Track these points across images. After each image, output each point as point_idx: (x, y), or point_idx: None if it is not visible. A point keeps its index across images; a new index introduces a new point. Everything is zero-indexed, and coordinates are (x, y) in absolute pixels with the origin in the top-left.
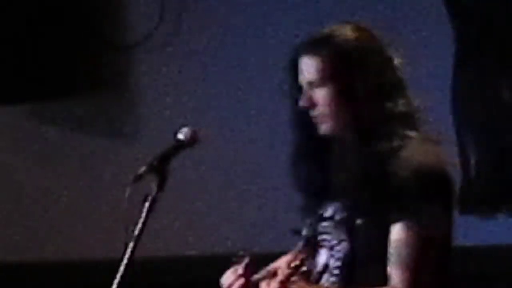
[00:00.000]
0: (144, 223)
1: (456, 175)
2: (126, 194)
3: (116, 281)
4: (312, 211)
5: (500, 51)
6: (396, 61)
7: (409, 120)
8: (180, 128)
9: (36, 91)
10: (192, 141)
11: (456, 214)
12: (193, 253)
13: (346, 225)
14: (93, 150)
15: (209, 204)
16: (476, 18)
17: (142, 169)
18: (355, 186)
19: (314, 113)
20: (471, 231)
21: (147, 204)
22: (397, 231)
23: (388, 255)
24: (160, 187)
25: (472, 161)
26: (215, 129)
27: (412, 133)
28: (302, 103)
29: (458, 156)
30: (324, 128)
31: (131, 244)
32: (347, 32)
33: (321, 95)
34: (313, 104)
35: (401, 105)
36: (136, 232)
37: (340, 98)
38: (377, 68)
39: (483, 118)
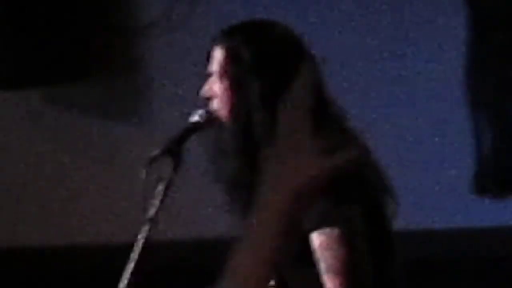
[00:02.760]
0: (159, 206)
1: (470, 157)
2: (142, 177)
3: (132, 264)
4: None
5: None
6: (312, 74)
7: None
8: (195, 110)
9: (50, 75)
10: (208, 123)
11: (471, 196)
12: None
13: None
14: (107, 133)
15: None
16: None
17: (157, 151)
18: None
19: (212, 105)
20: (485, 213)
21: (162, 187)
22: (315, 239)
23: (317, 265)
24: (176, 169)
25: (487, 143)
26: None
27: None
28: (201, 92)
29: (472, 138)
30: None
31: (146, 227)
32: (261, 28)
33: (217, 87)
34: (211, 96)
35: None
36: (151, 215)
37: (231, 96)
38: (278, 75)
39: (498, 99)
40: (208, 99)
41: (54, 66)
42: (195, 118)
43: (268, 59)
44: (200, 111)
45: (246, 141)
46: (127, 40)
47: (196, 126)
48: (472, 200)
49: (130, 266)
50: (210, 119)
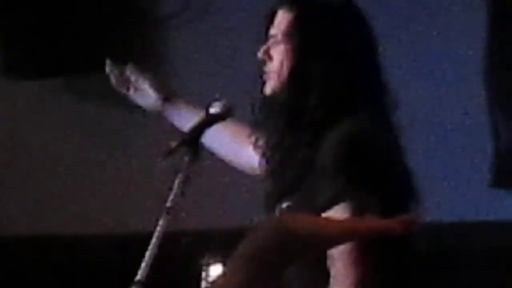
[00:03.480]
0: (177, 197)
1: (488, 149)
2: (160, 168)
3: (151, 254)
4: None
5: None
6: (374, 43)
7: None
8: (213, 101)
9: (70, 65)
10: (225, 115)
11: (487, 188)
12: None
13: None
14: (125, 123)
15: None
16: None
17: (175, 143)
18: (281, 161)
19: (266, 67)
20: (503, 205)
21: (180, 179)
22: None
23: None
24: (193, 161)
25: (504, 135)
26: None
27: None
28: (259, 54)
29: (490, 130)
30: (268, 86)
31: (165, 218)
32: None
33: (277, 50)
34: (268, 57)
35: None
36: (169, 205)
37: (294, 59)
38: (342, 42)
39: None
40: (264, 60)
41: (75, 56)
42: (213, 109)
43: (332, 28)
44: (219, 103)
45: (300, 106)
46: (146, 30)
47: (214, 118)
48: (489, 193)
49: (150, 255)
50: (228, 111)
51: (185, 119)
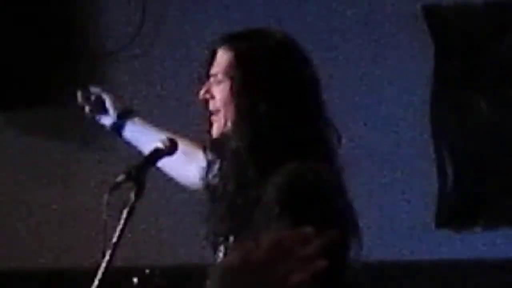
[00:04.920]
0: (122, 232)
1: (433, 188)
2: (104, 203)
3: None
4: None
5: (477, 65)
6: (314, 84)
7: (300, 147)
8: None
9: (11, 99)
10: (170, 150)
11: (432, 227)
12: (171, 263)
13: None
14: (70, 159)
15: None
16: (456, 32)
17: (120, 177)
18: (228, 199)
19: (210, 106)
20: (447, 244)
21: (125, 213)
22: None
23: None
24: (138, 195)
25: (449, 174)
26: (199, 136)
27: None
28: (200, 95)
29: (436, 168)
30: (215, 128)
31: (108, 253)
32: (270, 35)
33: (219, 89)
34: (210, 97)
35: (297, 131)
36: (114, 240)
37: (230, 102)
38: (285, 85)
39: (460, 131)
40: (206, 101)
41: (16, 90)
42: (157, 144)
43: (273, 66)
44: (163, 138)
45: (253, 143)
46: (92, 64)
47: (159, 153)
48: (433, 232)
49: None
50: (172, 146)
51: (142, 134)
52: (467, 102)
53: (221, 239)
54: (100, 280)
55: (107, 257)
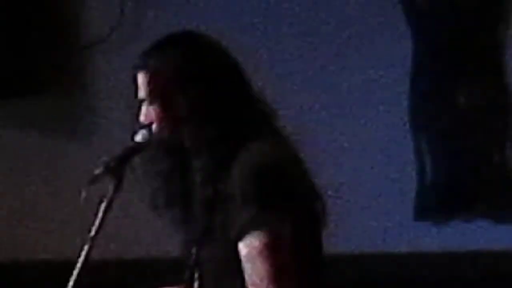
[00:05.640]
0: (100, 225)
1: (411, 181)
2: (82, 195)
3: (71, 283)
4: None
5: (456, 55)
6: (238, 74)
7: (238, 134)
8: (139, 129)
9: None
10: (150, 143)
11: (411, 220)
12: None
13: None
14: (48, 151)
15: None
16: (433, 21)
17: (99, 170)
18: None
19: (153, 129)
20: (426, 237)
21: (103, 206)
22: (243, 248)
23: (245, 275)
24: (117, 189)
25: (428, 168)
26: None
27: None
28: (141, 119)
29: (415, 162)
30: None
31: (86, 246)
32: (176, 44)
33: (151, 112)
34: (150, 121)
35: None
36: (92, 234)
37: (166, 116)
38: (204, 85)
39: (439, 124)
40: (149, 125)
41: (2, 81)
42: (137, 137)
43: (188, 73)
44: (143, 131)
45: (176, 156)
46: (71, 56)
47: (139, 146)
48: (412, 225)
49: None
50: (152, 139)
51: None
52: (445, 94)
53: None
54: (78, 273)
55: (84, 251)
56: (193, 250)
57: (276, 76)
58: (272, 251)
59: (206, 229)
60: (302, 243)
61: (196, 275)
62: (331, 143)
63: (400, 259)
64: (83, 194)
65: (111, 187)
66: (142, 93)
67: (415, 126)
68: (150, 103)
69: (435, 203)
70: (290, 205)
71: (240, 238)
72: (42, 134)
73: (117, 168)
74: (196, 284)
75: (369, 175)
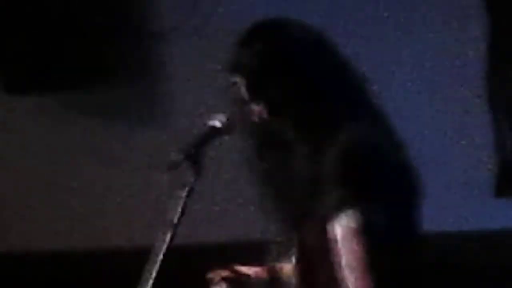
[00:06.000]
0: (182, 212)
1: (491, 159)
2: (163, 181)
3: (155, 268)
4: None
5: None
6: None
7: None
8: (214, 114)
9: (63, 80)
10: (228, 129)
11: (492, 197)
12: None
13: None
14: (125, 137)
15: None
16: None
17: (176, 156)
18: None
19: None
20: (507, 214)
21: (184, 192)
22: (337, 228)
23: (335, 258)
24: (198, 175)
25: (508, 145)
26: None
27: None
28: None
29: (494, 139)
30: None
31: (169, 233)
32: (264, 37)
33: (254, 110)
34: (242, 98)
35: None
36: (175, 220)
37: (266, 110)
38: (297, 73)
39: None
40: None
41: (72, 70)
42: (215, 123)
43: (281, 64)
44: (220, 116)
45: (276, 145)
46: (145, 44)
47: (216, 131)
48: (493, 202)
49: (151, 271)
50: (230, 125)
51: None
52: None
53: (297, 216)
54: (161, 260)
55: (167, 238)
56: (291, 232)
57: None
58: (359, 239)
59: (304, 211)
60: (395, 233)
61: (293, 257)
62: (407, 116)
63: (479, 237)
64: (163, 180)
65: (191, 174)
66: (240, 94)
67: (494, 102)
68: (251, 102)
69: None
70: (382, 188)
71: (331, 217)
72: (117, 121)
73: (194, 154)
74: (293, 264)
75: (447, 151)
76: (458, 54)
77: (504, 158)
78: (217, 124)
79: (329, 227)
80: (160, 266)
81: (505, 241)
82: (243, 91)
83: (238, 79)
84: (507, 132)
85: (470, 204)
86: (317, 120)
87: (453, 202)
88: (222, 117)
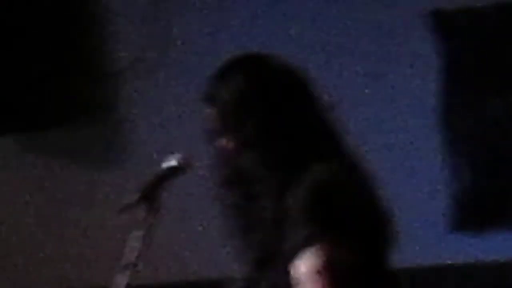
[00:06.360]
0: (140, 252)
1: (445, 193)
2: (117, 223)
3: None
4: None
5: (488, 64)
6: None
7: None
8: (169, 154)
9: (24, 122)
10: (184, 168)
11: (445, 231)
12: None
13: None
14: (83, 178)
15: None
16: (462, 31)
17: (131, 198)
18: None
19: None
20: (460, 248)
21: (140, 232)
22: (298, 266)
23: None
24: (153, 215)
25: (463, 179)
26: (205, 155)
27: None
28: (216, 150)
29: (449, 172)
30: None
31: (127, 273)
32: (239, 71)
33: (223, 142)
34: (225, 152)
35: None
36: (132, 260)
37: (236, 144)
38: (268, 110)
39: (474, 133)
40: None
41: (28, 113)
42: (171, 163)
43: (253, 100)
44: (176, 156)
45: (241, 184)
46: (100, 84)
47: (172, 171)
48: (447, 236)
49: None
50: (187, 163)
51: None
52: (481, 101)
53: (253, 254)
54: None
55: (124, 277)
56: (255, 273)
57: None
58: (327, 272)
59: (270, 250)
60: (368, 271)
61: None
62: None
63: (435, 271)
64: (118, 221)
65: (147, 214)
66: (212, 125)
67: (449, 135)
68: (221, 134)
69: (469, 214)
70: (352, 223)
71: (297, 255)
72: (72, 163)
73: (150, 195)
74: None
75: (403, 185)
76: (415, 84)
77: (458, 193)
78: (173, 163)
79: (295, 266)
80: None
81: (459, 274)
82: (217, 123)
83: (212, 110)
84: (463, 164)
85: (426, 239)
86: (286, 157)
87: (409, 238)
88: (179, 156)
